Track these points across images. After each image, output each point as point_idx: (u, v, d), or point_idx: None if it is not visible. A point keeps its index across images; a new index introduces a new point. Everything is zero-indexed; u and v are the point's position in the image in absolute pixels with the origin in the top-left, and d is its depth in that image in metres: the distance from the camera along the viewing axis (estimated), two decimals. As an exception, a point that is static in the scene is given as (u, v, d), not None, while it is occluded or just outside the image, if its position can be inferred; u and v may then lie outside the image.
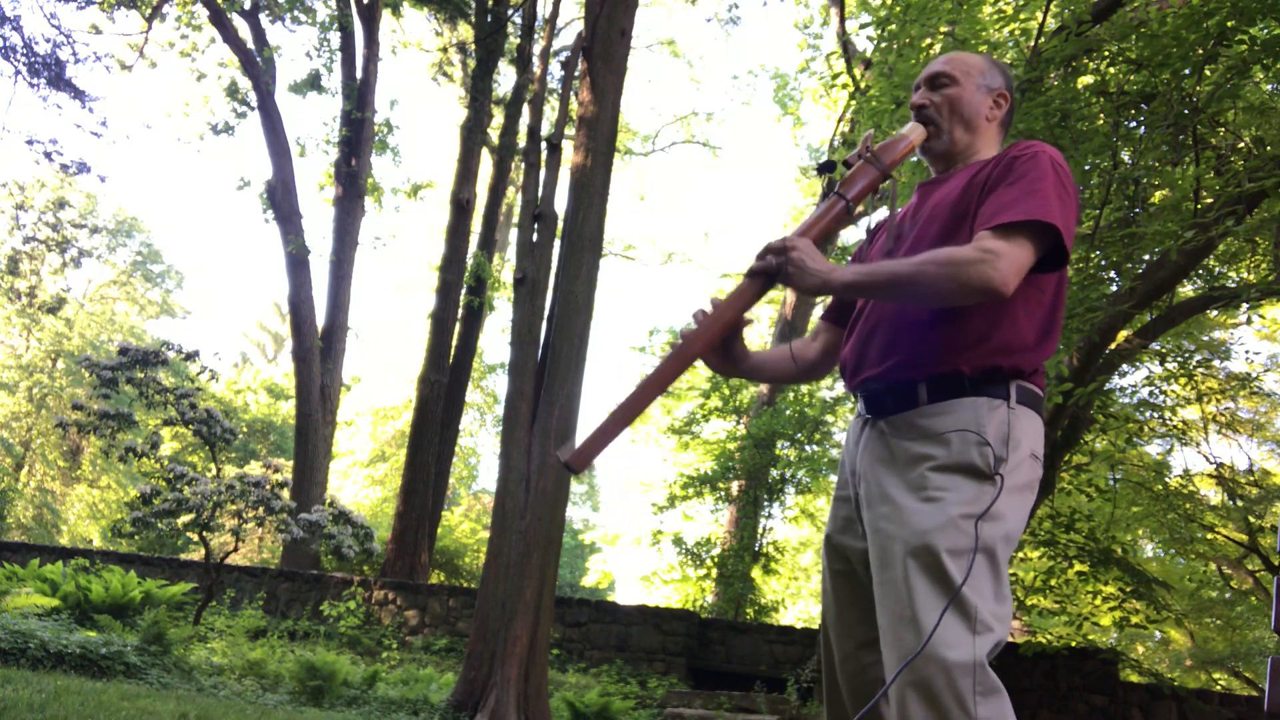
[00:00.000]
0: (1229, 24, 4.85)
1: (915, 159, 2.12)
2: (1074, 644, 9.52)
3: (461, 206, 14.50)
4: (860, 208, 1.90)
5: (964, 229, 1.75)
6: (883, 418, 1.78)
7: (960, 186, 1.82)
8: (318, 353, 14.10)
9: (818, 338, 2.09)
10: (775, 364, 2.05)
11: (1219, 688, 14.75)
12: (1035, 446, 1.73)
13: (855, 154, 1.88)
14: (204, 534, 8.07)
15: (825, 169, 1.87)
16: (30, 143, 12.55)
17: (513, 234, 16.63)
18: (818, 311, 11.87)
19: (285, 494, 8.47)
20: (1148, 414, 10.01)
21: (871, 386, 1.81)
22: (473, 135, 14.77)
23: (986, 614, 1.57)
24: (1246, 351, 14.68)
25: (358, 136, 15.04)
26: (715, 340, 1.82)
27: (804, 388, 13.09)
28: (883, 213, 1.97)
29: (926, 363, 1.73)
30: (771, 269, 1.74)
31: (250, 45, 15.09)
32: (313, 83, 16.21)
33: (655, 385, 1.76)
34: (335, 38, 15.85)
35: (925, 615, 1.56)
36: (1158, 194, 6.35)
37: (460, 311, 14.31)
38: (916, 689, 1.53)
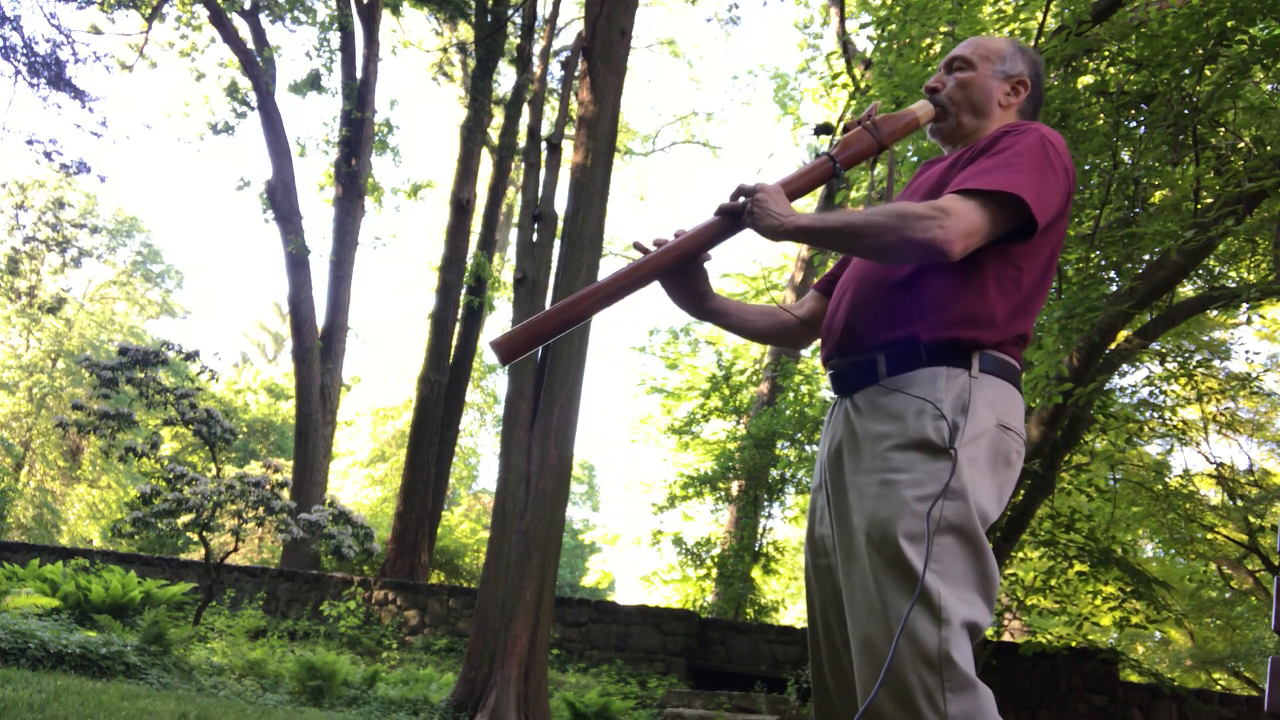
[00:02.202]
0: (1229, 24, 4.85)
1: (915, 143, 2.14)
2: (1074, 644, 9.52)
3: (461, 206, 14.50)
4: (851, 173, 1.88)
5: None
6: (848, 396, 1.74)
7: (950, 161, 1.82)
8: (318, 353, 14.10)
9: (804, 305, 2.05)
10: (745, 316, 1.99)
11: (1219, 688, 14.75)
12: (1005, 417, 1.63)
13: (856, 120, 1.87)
14: (204, 534, 8.08)
15: (823, 130, 1.87)
16: (30, 143, 12.57)
17: (513, 234, 16.65)
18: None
19: (285, 494, 8.47)
20: (1148, 414, 10.00)
21: (836, 363, 1.79)
22: (473, 135, 14.78)
23: (952, 600, 1.48)
24: (1246, 351, 14.72)
25: (358, 136, 15.04)
26: (668, 265, 1.79)
27: (804, 387, 13.08)
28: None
29: (885, 328, 1.69)
30: (737, 209, 1.73)
31: (250, 45, 15.10)
32: (313, 83, 16.22)
33: (598, 293, 1.75)
34: (335, 38, 15.86)
35: (891, 609, 1.49)
36: (1158, 194, 6.35)
37: (460, 311, 14.31)
38: (886, 687, 1.47)
